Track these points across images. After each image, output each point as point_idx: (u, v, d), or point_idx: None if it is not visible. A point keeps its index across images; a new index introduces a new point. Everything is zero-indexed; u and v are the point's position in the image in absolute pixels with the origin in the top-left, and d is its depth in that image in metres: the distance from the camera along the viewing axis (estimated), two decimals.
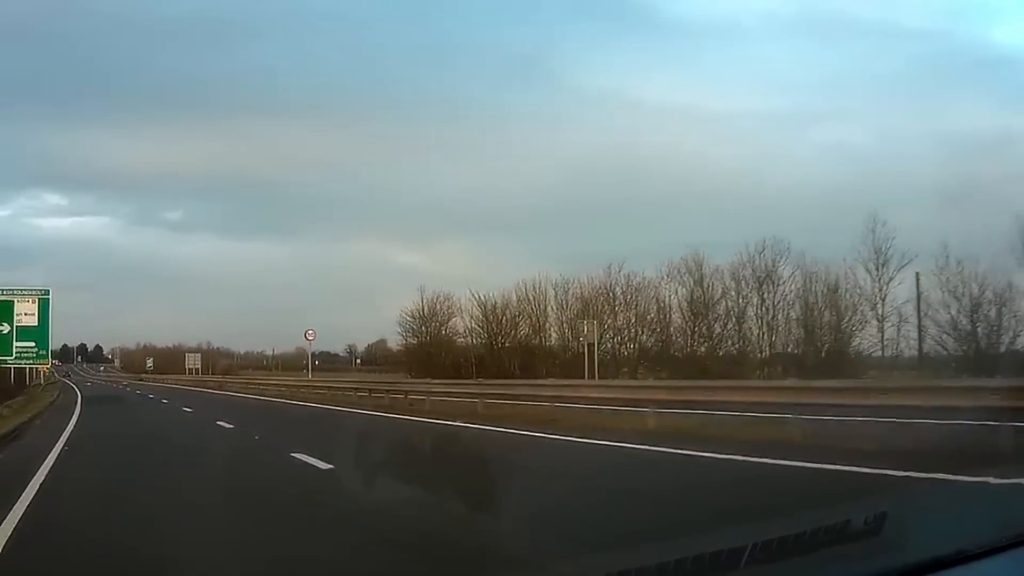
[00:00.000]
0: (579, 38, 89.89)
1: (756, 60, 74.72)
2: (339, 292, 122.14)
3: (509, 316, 48.92)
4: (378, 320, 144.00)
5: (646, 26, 79.37)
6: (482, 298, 49.70)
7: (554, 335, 48.18)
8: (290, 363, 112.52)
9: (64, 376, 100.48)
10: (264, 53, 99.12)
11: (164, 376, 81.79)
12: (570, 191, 77.78)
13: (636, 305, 44.97)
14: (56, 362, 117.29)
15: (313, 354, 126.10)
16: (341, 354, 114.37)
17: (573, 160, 77.95)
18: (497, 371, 41.33)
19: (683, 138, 72.09)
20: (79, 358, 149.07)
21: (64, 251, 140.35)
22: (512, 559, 5.24)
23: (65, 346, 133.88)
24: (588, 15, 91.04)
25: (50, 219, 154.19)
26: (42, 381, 56.38)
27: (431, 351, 50.23)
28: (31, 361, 45.63)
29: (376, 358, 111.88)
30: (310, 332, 48.00)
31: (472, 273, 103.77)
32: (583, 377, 30.90)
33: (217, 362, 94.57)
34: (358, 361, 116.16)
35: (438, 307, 52.08)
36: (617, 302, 45.38)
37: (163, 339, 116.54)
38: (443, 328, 51.66)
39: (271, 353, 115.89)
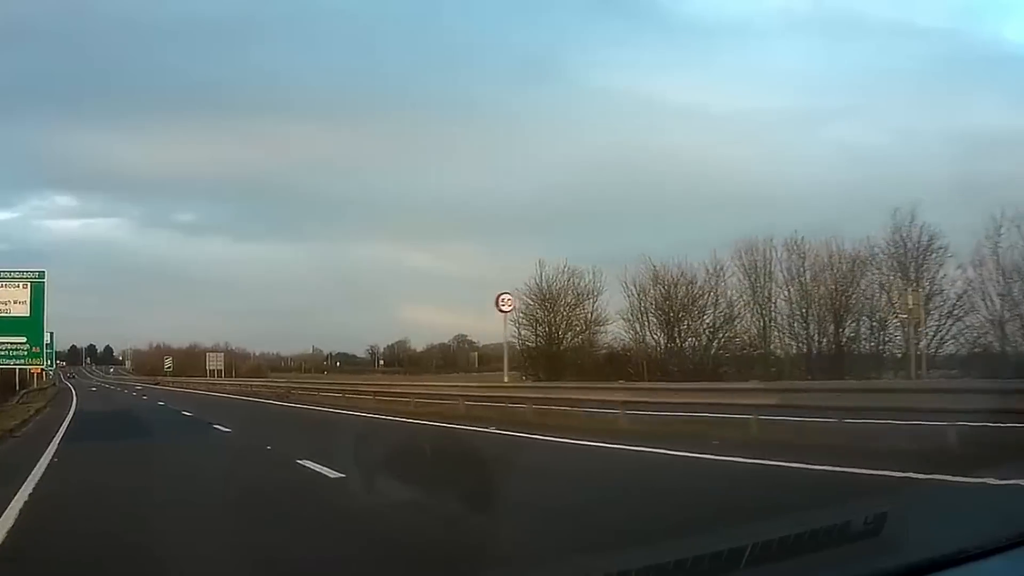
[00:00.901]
0: (591, 38, 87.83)
1: (769, 59, 72.27)
2: (351, 293, 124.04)
3: (697, 292, 33.92)
4: (391, 321, 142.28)
5: (659, 25, 79.34)
6: (656, 267, 34.56)
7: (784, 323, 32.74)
8: (309, 364, 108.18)
9: (69, 378, 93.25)
10: (275, 53, 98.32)
11: (186, 380, 68.96)
12: (582, 191, 76.03)
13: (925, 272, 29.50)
14: (62, 363, 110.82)
15: (331, 355, 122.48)
16: (359, 355, 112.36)
17: (585, 160, 76.12)
18: (693, 371, 29.91)
19: (695, 137, 70.24)
20: (88, 360, 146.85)
21: (74, 253, 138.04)
22: None
23: (73, 347, 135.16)
24: (601, 15, 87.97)
25: (60, 221, 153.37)
26: (35, 385, 45.14)
27: (574, 344, 36.41)
28: (22, 361, 36.25)
29: (399, 359, 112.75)
30: (506, 298, 28.25)
31: (485, 274, 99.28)
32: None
33: (240, 364, 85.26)
34: (381, 362, 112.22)
35: (561, 284, 37.48)
36: (914, 269, 29.43)
37: (176, 340, 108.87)
38: (577, 312, 37.09)
39: (328, 352, 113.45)
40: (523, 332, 37.90)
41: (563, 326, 37.56)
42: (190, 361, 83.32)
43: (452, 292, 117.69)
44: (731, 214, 59.75)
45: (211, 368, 66.55)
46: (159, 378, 78.65)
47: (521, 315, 36.68)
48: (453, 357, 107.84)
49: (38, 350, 35.47)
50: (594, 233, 75.59)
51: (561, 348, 36.86)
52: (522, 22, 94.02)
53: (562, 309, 37.62)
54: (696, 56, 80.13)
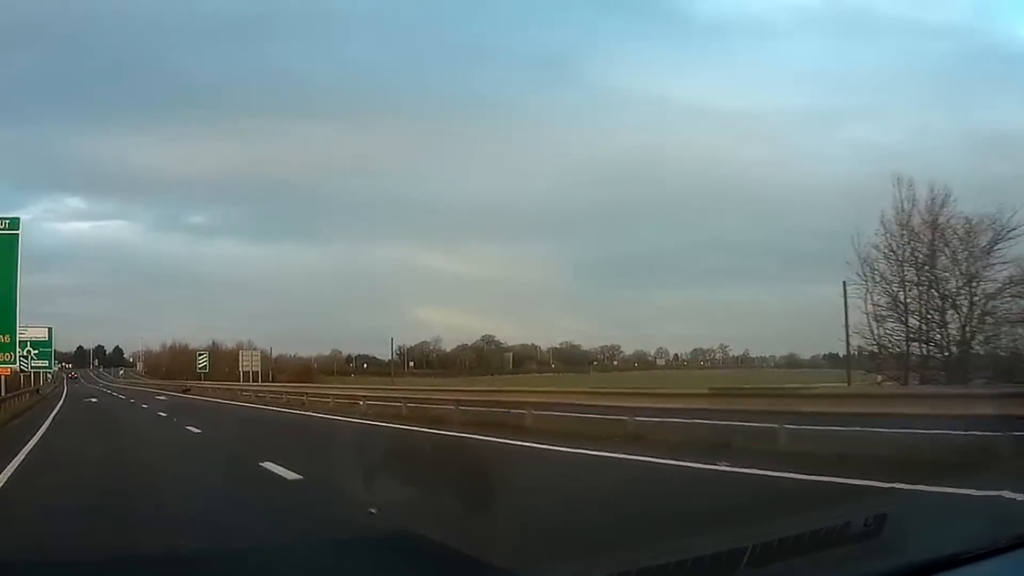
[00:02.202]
0: (609, 38, 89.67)
1: (786, 58, 70.32)
2: (367, 295, 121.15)
3: None
4: (410, 323, 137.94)
5: (677, 25, 79.68)
6: None
7: None
8: (325, 367, 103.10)
9: (72, 381, 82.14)
10: (289, 55, 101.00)
11: (221, 386, 48.43)
12: (599, 191, 70.96)
13: None
14: (67, 365, 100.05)
15: (352, 357, 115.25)
16: (379, 356, 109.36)
17: (601, 161, 71.54)
18: None
19: (712, 136, 66.32)
20: (95, 361, 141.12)
21: (83, 255, 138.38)
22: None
23: (80, 348, 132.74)
24: (618, 15, 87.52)
25: (71, 223, 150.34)
26: (3, 392, 28.88)
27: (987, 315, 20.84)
28: None
29: (428, 360, 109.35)
30: None
31: (505, 275, 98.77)
32: None
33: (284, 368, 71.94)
34: (411, 364, 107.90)
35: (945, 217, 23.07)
36: None
37: (191, 342, 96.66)
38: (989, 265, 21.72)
39: (347, 354, 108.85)
40: (876, 299, 22.87)
41: (963, 287, 21.62)
42: (216, 362, 70.97)
43: (473, 294, 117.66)
44: (742, 214, 54.60)
45: (244, 370, 53.83)
46: (188, 383, 57.52)
47: (898, 268, 22.12)
48: (486, 358, 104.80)
49: (8, 340, 22.85)
50: (615, 234, 73.98)
51: (966, 326, 21.60)
52: (540, 23, 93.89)
53: (966, 260, 21.73)
54: (716, 55, 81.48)
